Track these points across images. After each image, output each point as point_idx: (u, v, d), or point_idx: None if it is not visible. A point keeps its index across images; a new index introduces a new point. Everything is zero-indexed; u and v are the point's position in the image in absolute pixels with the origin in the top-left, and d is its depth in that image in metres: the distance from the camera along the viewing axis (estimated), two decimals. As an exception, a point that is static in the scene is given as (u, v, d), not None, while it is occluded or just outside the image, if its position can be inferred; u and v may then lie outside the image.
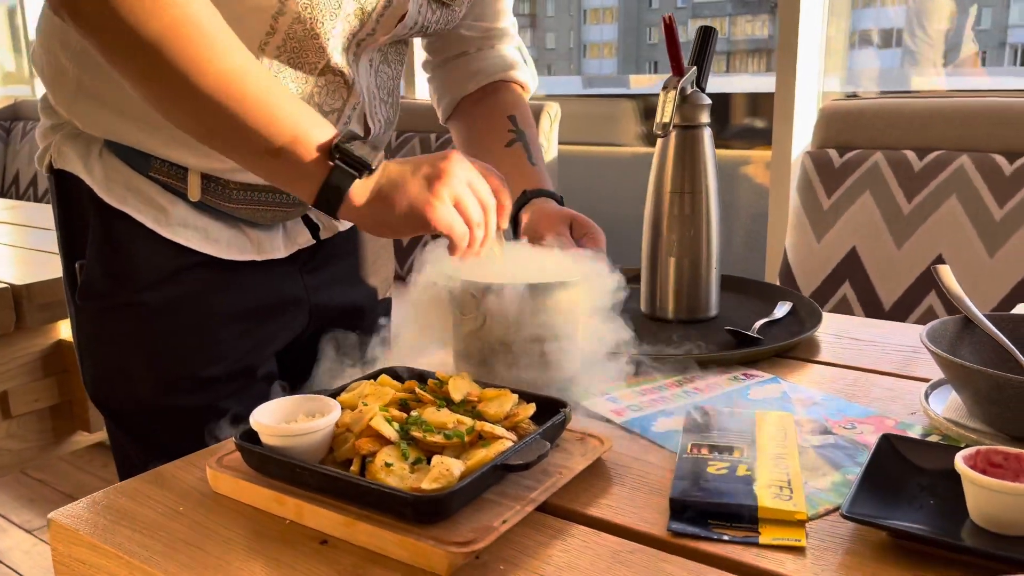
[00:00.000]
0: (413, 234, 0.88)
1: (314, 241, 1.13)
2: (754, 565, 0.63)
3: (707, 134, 1.15)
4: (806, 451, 0.79)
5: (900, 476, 0.72)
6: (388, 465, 0.69)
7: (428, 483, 0.66)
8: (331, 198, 0.85)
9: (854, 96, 2.32)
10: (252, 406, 0.75)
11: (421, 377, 0.85)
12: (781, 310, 1.19)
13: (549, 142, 2.43)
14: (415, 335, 0.98)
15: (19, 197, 3.57)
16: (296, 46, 0.94)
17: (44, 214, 2.64)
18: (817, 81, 2.19)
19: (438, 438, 0.72)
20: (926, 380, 0.92)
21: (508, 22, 1.25)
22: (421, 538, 0.63)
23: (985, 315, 0.90)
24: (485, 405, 0.79)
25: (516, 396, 0.80)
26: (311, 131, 0.84)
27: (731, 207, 2.53)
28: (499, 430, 0.73)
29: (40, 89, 3.79)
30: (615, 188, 2.75)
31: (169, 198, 1.01)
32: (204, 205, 1.02)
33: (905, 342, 1.11)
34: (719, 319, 1.18)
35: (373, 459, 0.70)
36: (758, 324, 1.13)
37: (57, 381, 1.81)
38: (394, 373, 0.87)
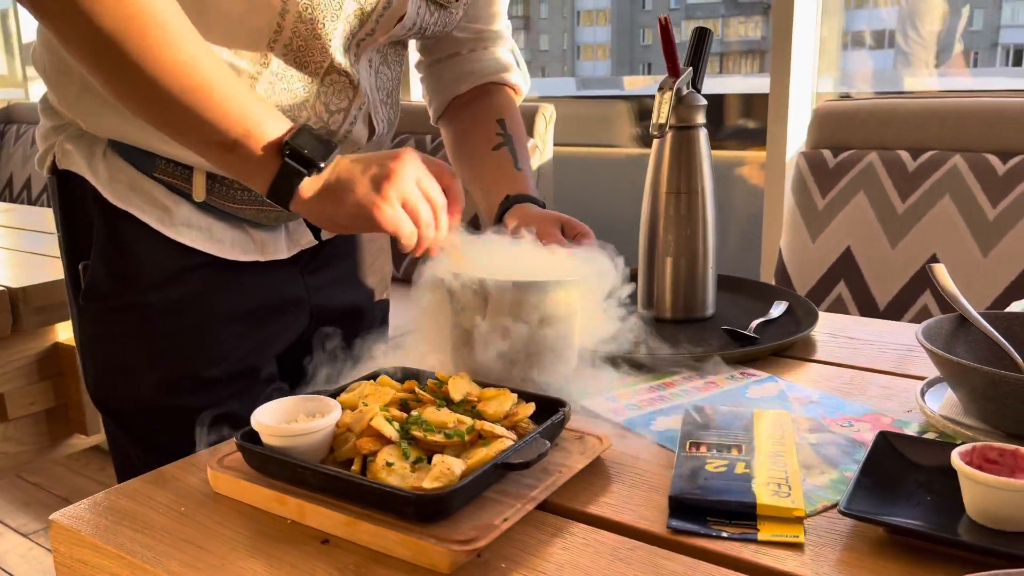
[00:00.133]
0: (361, 232, 0.89)
1: (316, 242, 1.14)
2: (753, 561, 0.64)
3: (703, 135, 1.16)
4: (804, 449, 0.80)
5: (897, 473, 0.72)
6: (389, 464, 0.69)
7: (429, 482, 0.66)
8: (281, 192, 0.86)
9: (847, 97, 2.33)
10: (253, 407, 0.76)
11: (420, 377, 0.86)
12: (777, 310, 1.20)
13: (544, 143, 2.43)
14: (415, 336, 0.99)
15: (13, 200, 3.57)
16: (302, 45, 0.95)
17: (39, 217, 2.64)
18: (811, 82, 2.20)
19: (439, 437, 0.72)
20: (921, 378, 0.93)
21: (502, 24, 1.25)
22: (423, 537, 0.64)
23: (980, 313, 0.91)
24: (485, 404, 0.79)
25: (515, 395, 0.81)
26: (263, 125, 0.85)
27: (726, 207, 2.54)
28: (499, 429, 0.74)
29: (34, 92, 3.77)
30: (610, 189, 2.76)
31: (173, 198, 1.02)
32: (208, 205, 1.03)
33: (900, 341, 1.12)
34: (716, 318, 1.18)
35: (374, 458, 0.70)
36: (755, 323, 1.13)
37: (53, 384, 1.81)
38: (393, 373, 0.87)
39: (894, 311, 1.73)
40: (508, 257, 0.96)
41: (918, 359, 1.04)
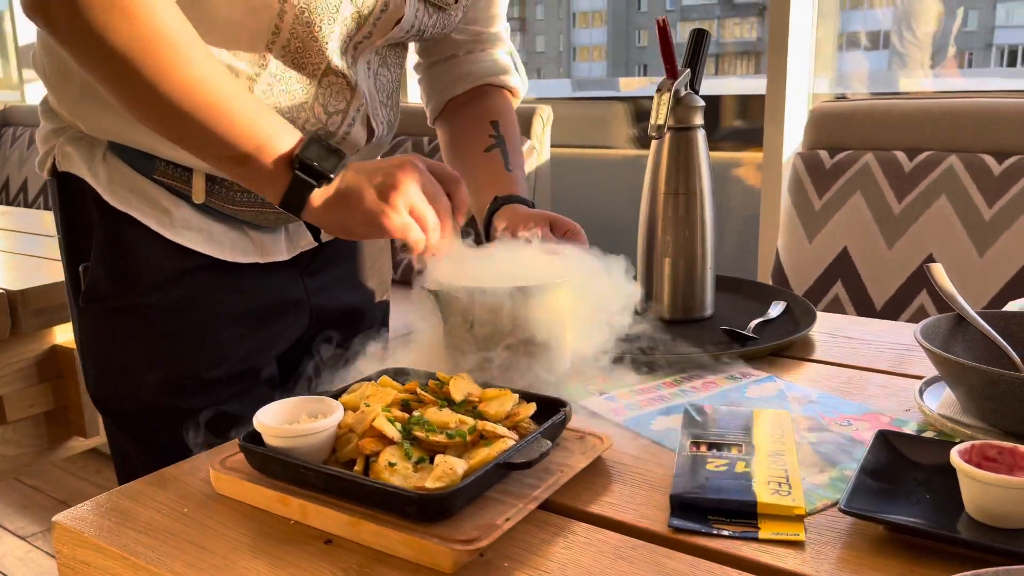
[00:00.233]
0: (372, 238, 0.92)
1: (316, 243, 1.14)
2: (754, 560, 0.64)
3: (701, 136, 1.16)
4: (803, 448, 0.80)
5: (896, 471, 0.73)
6: (392, 465, 0.70)
7: (432, 482, 0.67)
8: (293, 203, 0.89)
9: (843, 98, 2.34)
10: (254, 408, 0.76)
11: (422, 378, 0.86)
12: (775, 310, 1.20)
13: (542, 145, 2.44)
14: (415, 337, 0.99)
15: (10, 203, 3.56)
16: (299, 46, 0.96)
17: (37, 219, 2.64)
18: (807, 83, 2.21)
19: (441, 438, 0.73)
20: (919, 377, 0.93)
21: (501, 27, 1.26)
22: (426, 536, 0.64)
23: (977, 312, 0.92)
24: (486, 405, 0.79)
25: (516, 396, 0.81)
26: (274, 139, 0.88)
27: (722, 208, 2.55)
28: (500, 429, 0.74)
29: (30, 94, 3.76)
30: (607, 190, 2.76)
31: (173, 200, 1.02)
32: (208, 207, 1.03)
33: (898, 340, 1.12)
34: (714, 319, 1.19)
35: (377, 459, 0.71)
36: (753, 324, 1.14)
37: (52, 387, 1.81)
38: (395, 374, 0.88)
39: (891, 311, 1.73)
40: (501, 261, 0.97)
41: (916, 358, 1.05)
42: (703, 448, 0.79)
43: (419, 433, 0.73)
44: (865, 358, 1.06)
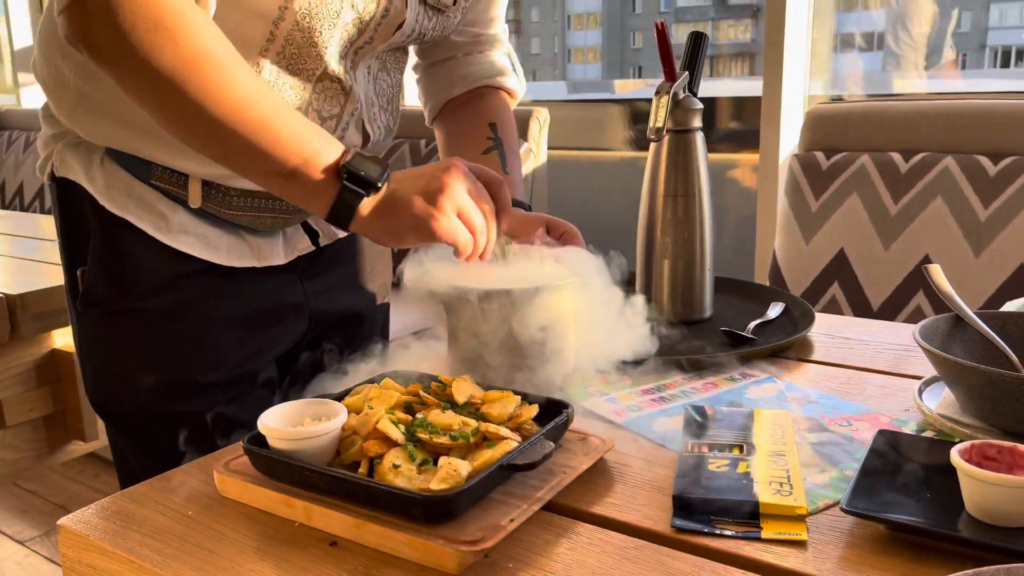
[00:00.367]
0: (421, 244, 0.92)
1: (313, 248, 1.15)
2: (757, 559, 0.65)
3: (699, 138, 1.17)
4: (804, 448, 0.81)
5: (897, 471, 0.73)
6: (396, 467, 0.70)
7: (436, 484, 0.67)
8: (342, 215, 0.89)
9: (839, 99, 2.35)
10: (252, 412, 0.77)
11: (424, 380, 0.87)
12: (774, 311, 1.21)
13: (539, 147, 2.44)
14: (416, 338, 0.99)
15: (6, 207, 3.55)
16: (295, 52, 0.96)
17: (34, 223, 2.64)
18: (803, 84, 2.21)
19: (444, 439, 0.73)
20: (918, 377, 0.94)
21: (499, 28, 1.26)
22: (431, 538, 0.65)
23: (975, 313, 0.92)
24: (489, 407, 0.80)
25: (519, 398, 0.81)
26: (320, 152, 0.87)
27: (719, 210, 2.55)
28: (504, 431, 0.75)
29: (26, 98, 3.74)
30: (604, 192, 2.77)
31: (170, 205, 1.02)
32: (204, 212, 1.03)
33: (896, 341, 1.13)
34: (714, 320, 1.19)
35: (381, 461, 0.71)
36: (752, 325, 1.14)
37: (52, 391, 1.81)
38: (397, 377, 0.88)
39: (888, 312, 1.74)
40: (504, 263, 0.97)
41: (914, 359, 1.05)
42: (704, 449, 0.80)
43: (423, 435, 0.73)
44: (864, 359, 1.07)
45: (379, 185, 0.88)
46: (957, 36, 2.83)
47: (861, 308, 1.77)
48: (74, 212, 1.04)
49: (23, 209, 3.46)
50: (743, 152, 2.62)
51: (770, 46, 2.15)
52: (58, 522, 0.74)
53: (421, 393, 0.82)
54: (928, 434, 0.83)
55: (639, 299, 1.20)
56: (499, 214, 0.92)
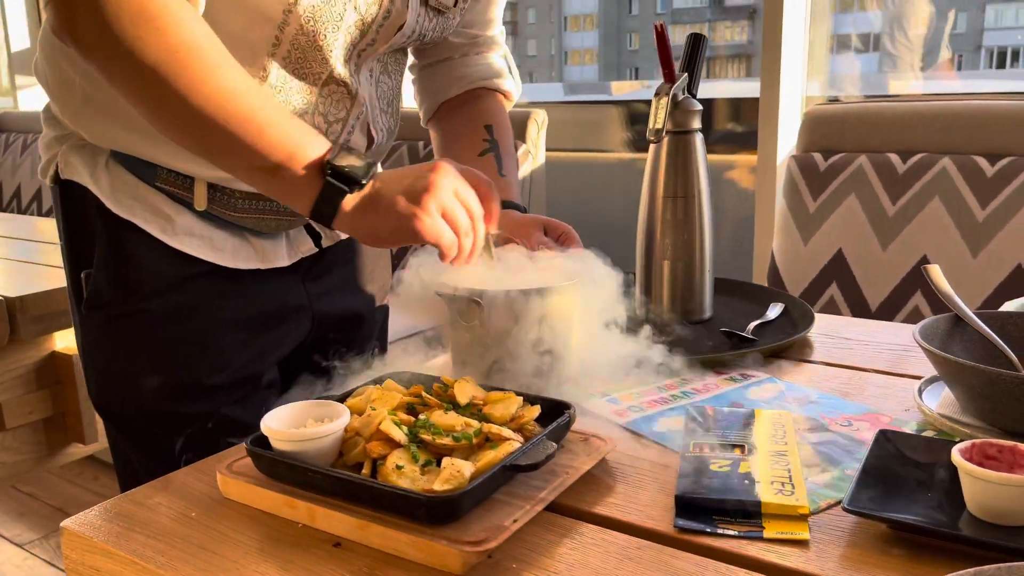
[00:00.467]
0: (404, 244, 0.91)
1: (316, 249, 1.15)
2: (759, 559, 0.65)
3: (699, 139, 1.17)
4: (804, 448, 0.81)
5: (898, 470, 0.74)
6: (399, 468, 0.70)
7: (440, 484, 0.67)
8: (325, 211, 0.88)
9: (836, 100, 2.35)
10: (255, 414, 0.77)
11: (426, 382, 0.87)
12: (773, 311, 1.21)
13: (537, 149, 2.44)
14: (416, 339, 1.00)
15: (3, 209, 3.55)
16: (300, 56, 0.96)
17: (32, 226, 2.63)
18: (800, 86, 2.22)
19: (447, 440, 0.73)
20: (918, 377, 0.94)
21: (497, 30, 1.26)
22: (435, 538, 0.65)
23: (975, 313, 0.93)
24: (491, 408, 0.80)
25: (521, 398, 0.82)
26: (304, 148, 0.87)
27: (717, 211, 2.55)
28: (506, 432, 0.75)
29: (23, 101, 3.73)
30: (602, 194, 2.77)
31: (175, 207, 1.02)
32: (209, 214, 1.04)
33: (895, 341, 1.13)
34: (713, 321, 1.20)
35: (384, 462, 0.71)
36: (752, 325, 1.15)
37: (51, 393, 1.81)
38: (398, 378, 0.88)
39: (886, 312, 1.74)
40: (505, 265, 0.97)
41: (913, 359, 1.06)
42: (706, 449, 0.80)
43: (425, 436, 0.74)
44: (863, 359, 1.07)
45: (363, 182, 0.87)
46: (953, 37, 2.83)
47: (859, 308, 1.77)
48: (78, 214, 1.05)
49: (20, 212, 3.45)
50: (740, 153, 2.62)
51: (768, 47, 2.15)
52: (61, 524, 0.74)
53: (423, 394, 0.82)
54: (928, 434, 0.84)
55: (639, 300, 1.21)
56: (487, 216, 0.91)
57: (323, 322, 1.17)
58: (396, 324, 1.35)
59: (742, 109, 2.73)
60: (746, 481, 0.73)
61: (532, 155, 2.44)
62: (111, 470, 1.13)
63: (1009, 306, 1.04)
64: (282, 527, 0.72)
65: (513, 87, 1.28)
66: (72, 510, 0.73)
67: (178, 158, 0.99)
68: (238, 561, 0.67)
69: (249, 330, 1.08)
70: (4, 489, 2.89)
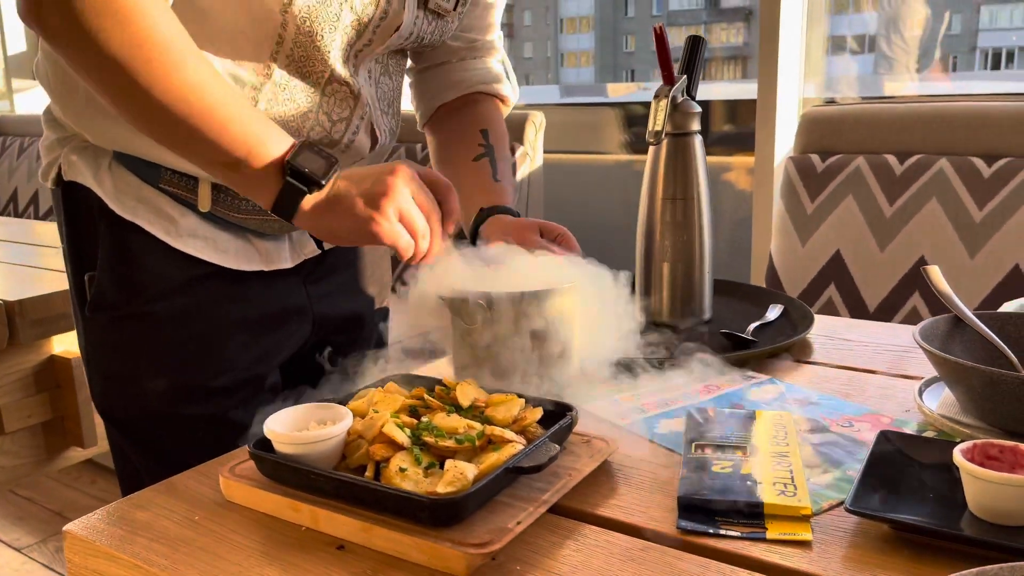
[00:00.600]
0: (363, 244, 0.92)
1: (319, 251, 1.15)
2: (762, 560, 0.65)
3: (698, 141, 1.17)
4: (806, 449, 0.81)
5: (899, 471, 0.74)
6: (402, 470, 0.70)
7: (443, 487, 0.67)
8: (284, 210, 0.89)
9: (833, 102, 2.36)
10: (258, 416, 0.77)
11: (428, 384, 0.87)
12: (773, 313, 1.21)
13: (534, 151, 2.44)
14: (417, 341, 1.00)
15: (0, 213, 3.55)
16: (303, 54, 0.96)
17: (30, 229, 2.63)
18: (797, 87, 2.22)
19: (450, 443, 0.73)
20: (918, 378, 0.95)
21: (495, 35, 1.27)
22: (439, 541, 0.65)
23: (974, 313, 0.93)
24: (493, 410, 0.80)
25: (523, 400, 0.82)
26: (265, 145, 0.88)
27: (714, 212, 2.55)
28: (509, 434, 0.75)
29: (20, 103, 3.72)
30: (600, 195, 2.77)
31: (179, 209, 1.03)
32: (213, 216, 1.04)
33: (895, 342, 1.14)
34: (713, 322, 1.20)
35: (387, 464, 0.71)
36: (752, 327, 1.15)
37: (50, 397, 1.80)
38: (400, 380, 0.88)
39: (884, 313, 1.75)
40: (505, 267, 0.98)
41: (913, 360, 1.06)
42: (707, 450, 0.80)
43: (428, 439, 0.74)
44: (863, 360, 1.07)
45: (322, 183, 0.88)
46: (948, 38, 2.84)
47: (857, 309, 1.78)
48: (81, 217, 1.05)
49: (17, 215, 3.45)
50: (737, 155, 2.63)
51: (764, 49, 2.15)
52: (64, 528, 0.74)
53: (425, 397, 0.82)
54: (929, 434, 0.84)
55: (639, 302, 1.21)
56: (445, 218, 0.92)
57: (324, 324, 1.17)
58: (398, 326, 1.35)
59: (738, 111, 2.74)
60: (748, 482, 0.73)
61: (530, 157, 2.44)
62: (110, 474, 1.13)
63: (1008, 307, 1.04)
64: (285, 530, 0.72)
65: (511, 92, 1.28)
66: (70, 514, 0.73)
67: (181, 159, 0.99)
68: (241, 564, 0.67)
69: (252, 332, 1.08)
70: (2, 493, 2.88)
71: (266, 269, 1.09)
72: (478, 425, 0.76)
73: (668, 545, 0.68)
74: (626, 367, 0.99)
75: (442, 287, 0.93)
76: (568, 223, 1.11)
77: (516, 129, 2.36)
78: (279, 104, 0.98)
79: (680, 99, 1.16)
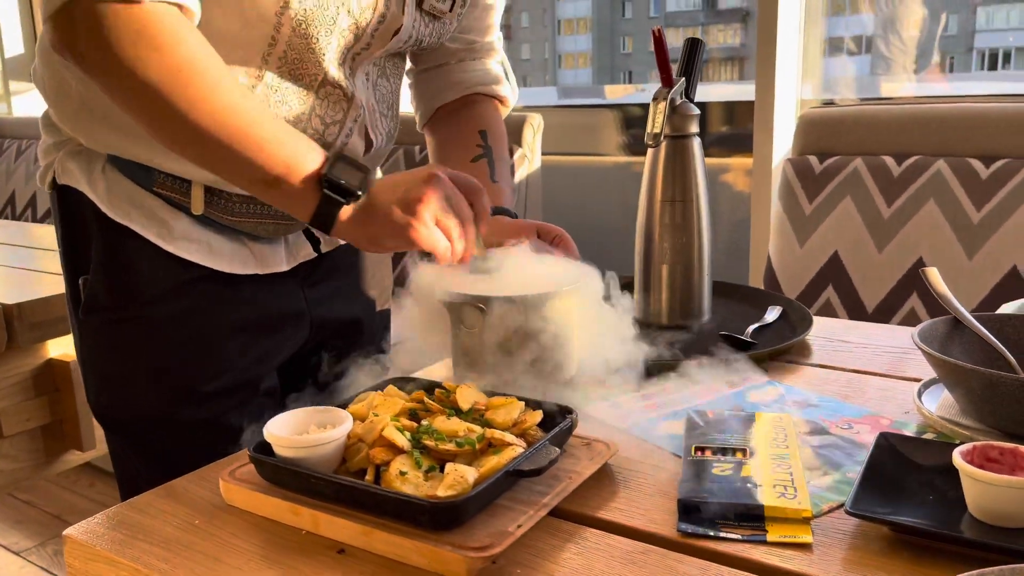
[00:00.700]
0: (402, 250, 0.93)
1: (315, 254, 1.15)
2: (763, 562, 0.65)
3: (696, 143, 1.18)
4: (805, 451, 0.82)
5: (899, 473, 0.74)
6: (403, 474, 0.70)
7: (443, 490, 0.67)
8: (323, 221, 0.91)
9: (830, 103, 2.36)
10: (254, 419, 0.77)
11: (428, 387, 0.87)
12: (772, 315, 1.21)
13: (533, 153, 2.44)
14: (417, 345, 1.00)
15: (-2, 216, 3.55)
16: (297, 57, 0.97)
17: (28, 232, 2.63)
18: (795, 89, 2.22)
19: (450, 446, 0.73)
20: (917, 380, 0.95)
21: (494, 36, 1.27)
22: (439, 544, 0.65)
23: (973, 315, 0.93)
24: (493, 413, 0.80)
25: (523, 403, 0.82)
26: (302, 161, 0.89)
27: (712, 214, 2.55)
28: (509, 437, 0.75)
29: (17, 106, 3.71)
30: (598, 197, 2.77)
31: (172, 212, 1.03)
32: (207, 219, 1.04)
33: (893, 344, 1.14)
34: (712, 324, 1.20)
35: (387, 468, 0.71)
36: (751, 329, 1.15)
37: (49, 400, 1.80)
38: (400, 383, 0.88)
39: (883, 314, 1.75)
40: (505, 270, 0.98)
41: (912, 361, 1.06)
42: (707, 453, 0.80)
43: (428, 442, 0.74)
44: (862, 361, 1.08)
45: (359, 194, 0.90)
46: (945, 39, 2.84)
47: (856, 311, 1.78)
48: (76, 220, 1.05)
49: (15, 218, 3.44)
50: (735, 156, 2.63)
51: (762, 50, 2.16)
52: (64, 532, 0.74)
53: (425, 400, 0.82)
54: (928, 436, 0.84)
55: (638, 304, 1.21)
56: (477, 220, 0.94)
57: (322, 328, 1.17)
58: (398, 328, 1.35)
59: (736, 112, 2.74)
60: (748, 485, 0.73)
61: (528, 159, 2.44)
62: (108, 477, 1.13)
63: (1007, 308, 1.04)
64: (286, 534, 0.72)
65: (510, 93, 1.28)
66: (69, 517, 0.73)
67: (175, 161, 0.99)
68: (242, 568, 0.67)
69: (247, 335, 1.08)
70: (1, 497, 2.87)
71: (261, 272, 1.08)
72: (478, 428, 0.76)
73: (668, 548, 0.68)
74: (626, 370, 0.99)
75: (441, 290, 0.93)
76: (566, 225, 1.11)
77: (514, 131, 2.36)
78: (273, 107, 0.98)
79: (679, 102, 1.16)
